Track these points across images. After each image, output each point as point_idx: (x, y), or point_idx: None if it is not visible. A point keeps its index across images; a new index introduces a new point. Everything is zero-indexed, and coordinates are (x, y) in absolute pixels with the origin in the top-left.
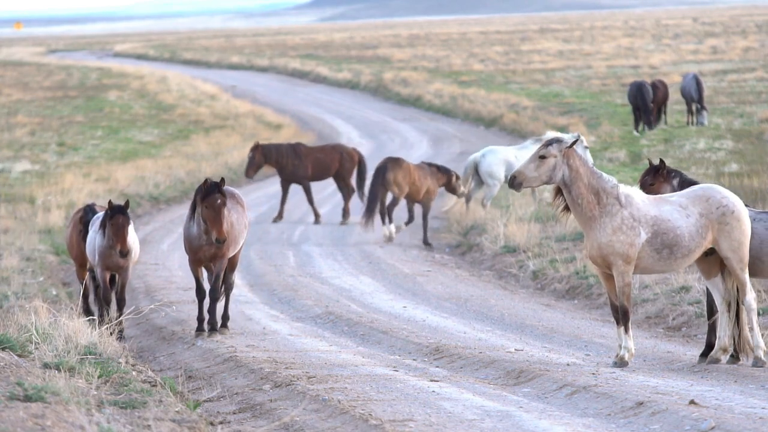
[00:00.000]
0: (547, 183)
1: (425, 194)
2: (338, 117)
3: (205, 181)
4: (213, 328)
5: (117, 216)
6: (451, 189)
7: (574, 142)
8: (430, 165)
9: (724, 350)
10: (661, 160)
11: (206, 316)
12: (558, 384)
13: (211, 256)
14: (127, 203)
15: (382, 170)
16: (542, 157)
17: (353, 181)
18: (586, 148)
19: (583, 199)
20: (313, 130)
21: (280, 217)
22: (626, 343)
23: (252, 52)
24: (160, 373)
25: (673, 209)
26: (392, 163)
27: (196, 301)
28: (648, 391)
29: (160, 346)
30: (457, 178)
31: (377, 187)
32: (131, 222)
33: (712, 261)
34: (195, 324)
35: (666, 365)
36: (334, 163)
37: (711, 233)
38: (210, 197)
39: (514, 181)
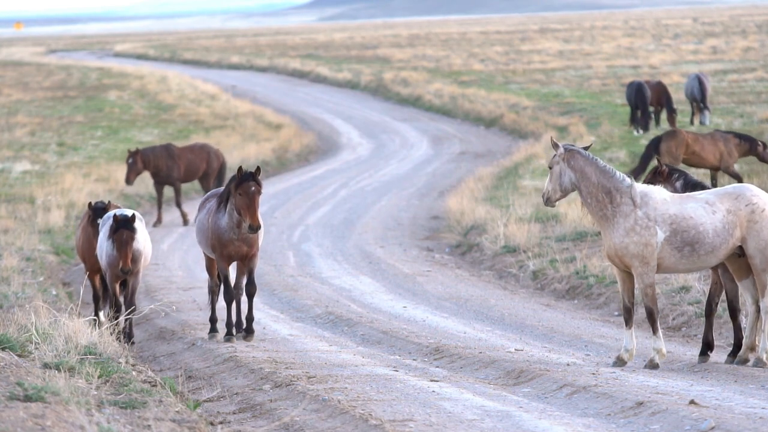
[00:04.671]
0: (567, 191)
1: (721, 161)
2: (338, 117)
3: (239, 169)
4: (250, 330)
5: (121, 231)
6: (760, 157)
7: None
8: (727, 133)
9: (752, 349)
10: (659, 161)
11: (223, 317)
12: (558, 384)
13: (243, 254)
14: (133, 217)
15: (656, 141)
16: (550, 168)
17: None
18: None
19: (592, 198)
20: (313, 130)
21: (159, 221)
22: (656, 344)
23: (252, 52)
24: (160, 373)
25: (697, 206)
26: (667, 135)
27: (224, 303)
28: (648, 391)
29: (160, 346)
30: (765, 147)
31: (649, 156)
32: (137, 233)
33: (743, 263)
34: (195, 324)
35: (666, 365)
36: (202, 163)
37: (739, 230)
38: (245, 184)
39: (544, 199)
